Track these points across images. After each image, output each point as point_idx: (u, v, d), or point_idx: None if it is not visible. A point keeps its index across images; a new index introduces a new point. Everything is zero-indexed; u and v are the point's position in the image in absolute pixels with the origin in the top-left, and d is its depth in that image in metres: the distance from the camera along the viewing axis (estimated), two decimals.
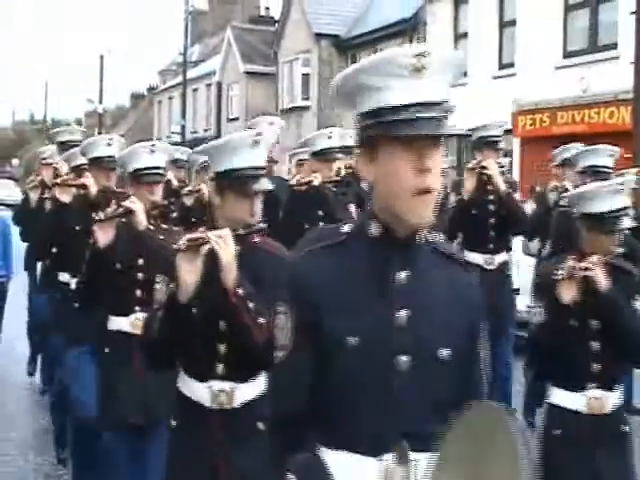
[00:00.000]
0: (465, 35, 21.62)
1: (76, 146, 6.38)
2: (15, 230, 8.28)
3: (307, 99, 29.70)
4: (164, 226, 4.64)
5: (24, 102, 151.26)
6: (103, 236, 4.34)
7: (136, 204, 4.42)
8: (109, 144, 5.60)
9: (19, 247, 8.69)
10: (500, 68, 20.04)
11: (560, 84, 17.39)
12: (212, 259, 3.12)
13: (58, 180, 5.82)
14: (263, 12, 41.67)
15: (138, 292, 4.48)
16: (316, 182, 6.26)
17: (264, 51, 34.48)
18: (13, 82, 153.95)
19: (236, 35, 36.37)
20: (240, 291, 3.13)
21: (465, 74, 21.18)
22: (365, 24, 27.38)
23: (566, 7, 18.13)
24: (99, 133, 35.57)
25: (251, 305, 3.13)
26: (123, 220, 4.46)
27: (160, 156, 4.70)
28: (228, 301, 3.12)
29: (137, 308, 4.46)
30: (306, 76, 29.72)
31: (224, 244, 3.11)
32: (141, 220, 4.43)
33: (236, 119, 34.76)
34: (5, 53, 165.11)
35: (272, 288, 2.50)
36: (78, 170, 6.03)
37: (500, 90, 19.06)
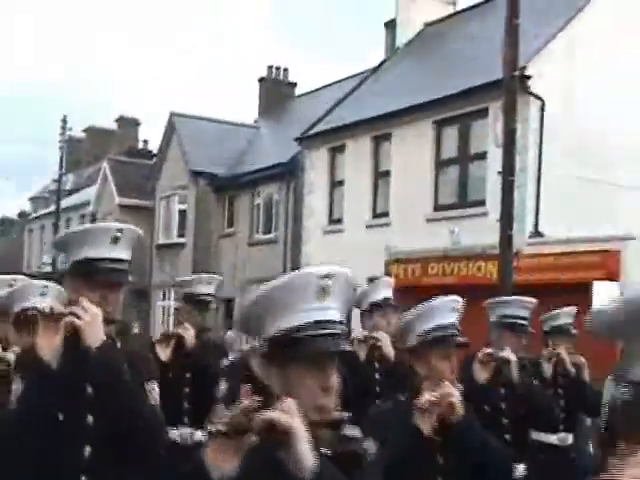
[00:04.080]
0: (341, 183, 22.22)
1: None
2: None
3: (183, 236, 29.62)
4: None
5: None
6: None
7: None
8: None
9: None
10: (374, 217, 20.60)
11: (431, 236, 17.98)
12: None
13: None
14: (141, 145, 41.94)
15: None
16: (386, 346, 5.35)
17: (141, 184, 34.45)
18: None
19: (112, 167, 36.30)
20: None
21: (340, 221, 21.78)
22: (243, 165, 27.82)
23: (437, 162, 18.91)
24: None
25: None
26: None
27: (124, 247, 3.35)
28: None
29: None
30: (183, 213, 29.74)
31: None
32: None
33: None
34: None
35: None
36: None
37: (374, 239, 19.56)
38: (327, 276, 2.28)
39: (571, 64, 16.50)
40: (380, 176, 20.79)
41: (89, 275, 3.20)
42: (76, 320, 3.08)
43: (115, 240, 3.22)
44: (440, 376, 3.70)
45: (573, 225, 14.99)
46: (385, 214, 20.21)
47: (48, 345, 3.09)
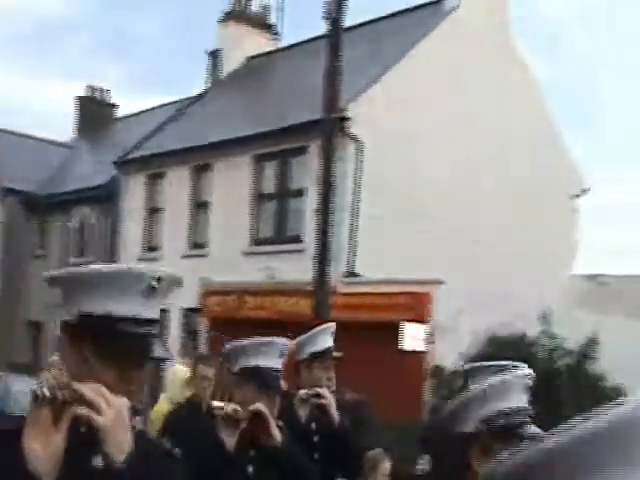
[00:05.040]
0: (159, 210, 21.94)
1: None
2: None
3: None
4: None
5: None
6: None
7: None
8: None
9: None
10: (191, 247, 20.45)
11: (248, 269, 18.03)
12: None
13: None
14: None
15: None
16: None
17: None
18: None
19: None
20: None
21: (156, 249, 21.49)
22: (59, 185, 26.96)
23: (256, 196, 19.00)
24: None
25: None
26: None
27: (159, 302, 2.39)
28: None
29: None
30: None
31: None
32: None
33: None
34: None
35: None
36: None
37: (190, 269, 19.34)
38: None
39: (390, 109, 17.01)
40: (199, 206, 20.69)
41: (110, 341, 2.12)
42: (94, 416, 1.95)
43: (150, 292, 2.20)
44: None
45: (387, 266, 15.43)
46: (202, 245, 20.11)
47: (43, 449, 1.91)
